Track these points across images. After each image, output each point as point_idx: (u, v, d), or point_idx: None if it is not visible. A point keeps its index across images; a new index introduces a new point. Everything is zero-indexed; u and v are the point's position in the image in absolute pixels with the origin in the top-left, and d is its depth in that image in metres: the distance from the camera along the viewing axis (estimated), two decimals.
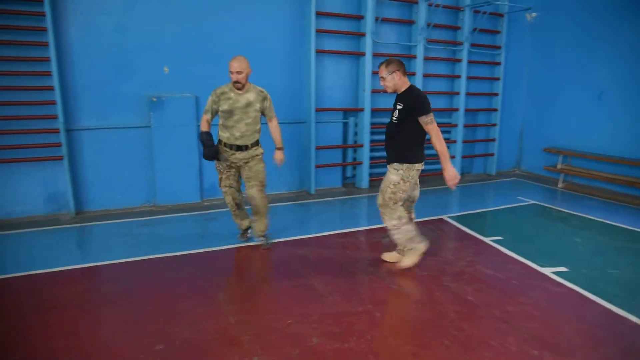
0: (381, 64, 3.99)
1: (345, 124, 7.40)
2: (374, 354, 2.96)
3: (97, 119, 5.84)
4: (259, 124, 4.48)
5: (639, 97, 7.01)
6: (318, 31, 6.70)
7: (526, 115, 8.95)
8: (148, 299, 3.68)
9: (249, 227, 4.99)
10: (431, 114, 3.89)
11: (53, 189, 5.75)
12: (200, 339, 3.11)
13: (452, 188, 3.98)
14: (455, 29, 7.98)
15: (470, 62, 8.09)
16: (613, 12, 7.25)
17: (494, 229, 5.68)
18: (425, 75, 7.70)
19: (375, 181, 4.02)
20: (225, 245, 4.82)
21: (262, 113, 4.51)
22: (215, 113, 4.42)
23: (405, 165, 3.96)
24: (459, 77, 8.04)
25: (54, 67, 5.37)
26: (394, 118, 4.01)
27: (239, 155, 4.43)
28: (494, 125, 8.69)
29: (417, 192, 4.29)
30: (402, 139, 3.98)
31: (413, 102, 3.88)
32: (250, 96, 4.35)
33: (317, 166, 7.04)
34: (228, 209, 4.85)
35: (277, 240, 5.00)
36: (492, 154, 8.79)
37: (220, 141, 4.48)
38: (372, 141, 7.33)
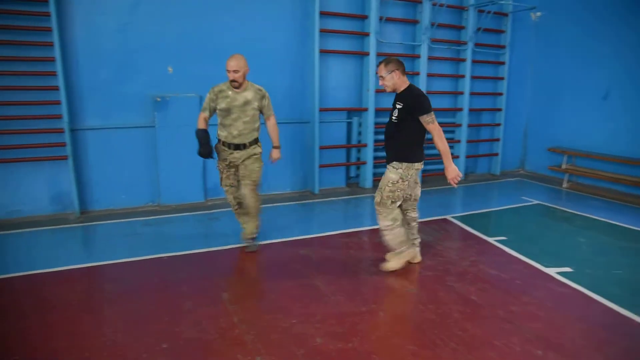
0: (380, 63, 3.98)
1: (349, 124, 7.40)
2: (377, 354, 2.96)
3: (102, 119, 5.87)
4: (257, 122, 4.47)
5: None
6: (322, 31, 6.70)
7: (530, 114, 8.92)
8: (152, 298, 3.70)
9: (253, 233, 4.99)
10: (432, 113, 3.89)
11: (58, 188, 5.77)
12: (204, 339, 3.12)
13: (454, 185, 3.99)
14: (460, 28, 7.97)
15: (474, 62, 8.07)
16: (617, 12, 7.21)
17: (498, 229, 5.67)
18: (429, 75, 7.68)
19: (379, 181, 4.02)
20: (229, 245, 4.83)
21: (261, 111, 4.50)
22: (212, 111, 4.40)
23: (404, 164, 3.95)
24: (463, 76, 8.02)
25: (59, 67, 5.39)
26: (393, 117, 4.00)
27: (237, 154, 4.42)
28: (498, 125, 8.67)
29: (418, 191, 4.28)
30: (402, 138, 3.98)
31: (413, 102, 3.88)
32: (249, 94, 4.34)
33: (320, 166, 7.04)
34: (231, 208, 4.85)
35: (280, 240, 5.01)
36: (496, 154, 8.76)
37: (219, 140, 4.49)
38: (376, 141, 7.32)
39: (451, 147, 8.31)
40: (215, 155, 4.47)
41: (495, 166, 8.80)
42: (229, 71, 4.19)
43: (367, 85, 7.18)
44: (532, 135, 8.94)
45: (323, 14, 6.68)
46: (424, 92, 4.02)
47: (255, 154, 4.48)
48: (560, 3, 8.14)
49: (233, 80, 4.22)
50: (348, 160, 7.55)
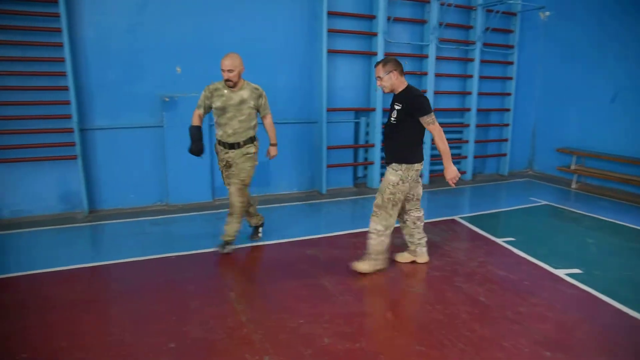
0: (377, 63, 3.96)
1: (357, 124, 7.40)
2: (385, 354, 2.95)
3: (111, 119, 5.90)
4: (253, 121, 4.43)
5: None
6: (330, 31, 6.70)
7: (539, 115, 8.86)
8: (159, 297, 3.71)
9: (259, 226, 5.00)
10: (432, 113, 3.86)
11: (67, 188, 5.82)
12: (211, 338, 3.13)
13: (452, 185, 4.03)
14: (468, 28, 7.93)
15: (482, 62, 8.03)
16: (627, 12, 7.15)
17: (506, 229, 5.64)
18: (437, 75, 7.65)
19: None
20: (236, 244, 4.84)
21: (258, 110, 4.48)
22: (207, 109, 4.39)
23: (404, 166, 3.93)
24: (471, 76, 7.98)
25: (68, 68, 5.43)
26: (392, 119, 3.98)
27: (232, 153, 4.39)
28: (507, 125, 8.62)
29: (420, 190, 4.26)
30: (401, 139, 3.96)
31: (413, 103, 3.85)
32: (244, 93, 4.31)
33: (328, 166, 7.04)
34: None
35: (287, 240, 5.02)
36: (504, 154, 8.72)
37: (217, 140, 4.48)
38: (383, 141, 7.29)
39: (459, 148, 8.30)
40: (211, 153, 4.46)
41: (504, 167, 8.76)
42: (223, 70, 4.17)
43: (374, 86, 7.17)
44: (540, 135, 8.89)
45: (331, 14, 6.67)
46: (422, 92, 3.98)
47: (248, 153, 4.43)
48: (569, 3, 8.08)
49: (228, 80, 4.19)
50: (355, 160, 7.54)
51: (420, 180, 4.25)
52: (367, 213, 6.37)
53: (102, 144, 5.90)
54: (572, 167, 7.85)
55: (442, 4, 7.34)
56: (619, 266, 4.41)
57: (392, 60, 3.92)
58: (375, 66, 3.98)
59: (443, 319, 3.38)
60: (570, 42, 8.12)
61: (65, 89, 5.48)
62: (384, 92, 4.05)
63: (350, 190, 7.35)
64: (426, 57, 7.53)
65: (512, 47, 8.34)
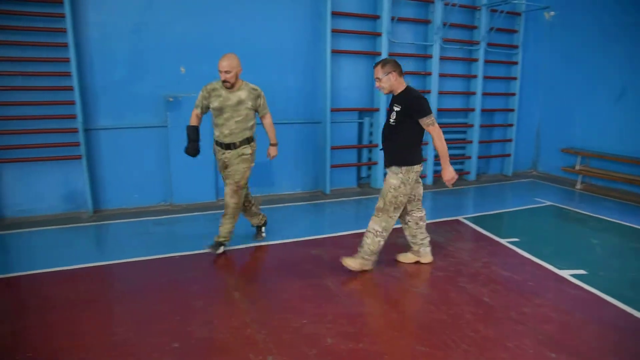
0: (376, 64, 3.93)
1: (361, 124, 7.39)
2: (389, 354, 2.95)
3: (115, 119, 5.92)
4: (250, 121, 4.39)
5: None
6: (334, 31, 6.70)
7: (543, 115, 8.83)
8: (163, 297, 3.72)
9: (261, 226, 5.00)
10: (432, 115, 3.85)
11: (71, 187, 5.84)
12: (215, 338, 3.13)
13: (449, 186, 4.03)
14: (472, 28, 7.92)
15: (486, 62, 8.01)
16: (632, 12, 7.12)
17: (510, 230, 5.63)
18: (441, 75, 7.64)
19: None
20: (240, 244, 4.84)
21: (256, 111, 4.45)
22: (205, 108, 4.37)
23: (404, 168, 3.92)
24: (475, 76, 7.97)
25: (73, 68, 5.45)
26: (391, 120, 3.97)
27: (228, 154, 4.37)
28: (511, 125, 8.60)
29: (420, 190, 4.24)
30: (400, 140, 3.95)
31: (412, 105, 3.83)
32: (242, 94, 4.28)
33: (332, 166, 7.04)
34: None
35: (291, 240, 5.02)
36: (508, 155, 8.69)
37: (214, 140, 4.47)
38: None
39: (463, 148, 8.28)
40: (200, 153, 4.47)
41: (508, 167, 8.73)
42: (220, 72, 4.14)
43: None
44: (544, 136, 8.85)
45: (335, 14, 6.67)
46: (422, 93, 3.95)
47: (243, 154, 4.38)
48: (574, 2, 8.05)
49: (225, 81, 4.17)
50: (359, 161, 7.53)
51: (420, 180, 4.24)
52: (370, 213, 6.30)
53: (106, 144, 5.92)
54: (577, 167, 7.82)
55: (446, 4, 7.33)
56: (624, 267, 4.39)
57: (390, 62, 3.90)
58: (374, 67, 3.96)
59: (447, 320, 3.38)
60: (575, 41, 8.09)
61: (70, 89, 5.50)
62: (383, 93, 4.04)
63: (354, 190, 7.35)
64: (430, 57, 7.52)
65: (516, 47, 8.31)
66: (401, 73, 3.92)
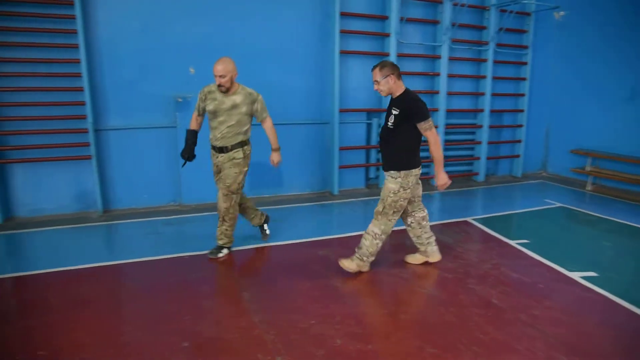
0: (374, 67, 3.89)
1: (369, 125, 7.38)
2: (397, 356, 2.94)
3: (125, 119, 5.96)
4: (244, 126, 4.32)
5: None
6: (342, 32, 6.70)
7: (553, 116, 8.75)
8: (172, 297, 3.73)
9: (262, 224, 4.98)
10: (430, 119, 3.82)
11: (81, 187, 5.89)
12: (224, 338, 3.14)
13: (440, 190, 4.04)
14: (481, 28, 7.88)
15: (496, 62, 7.97)
16: None
17: (520, 231, 5.59)
18: (450, 76, 7.62)
19: None
20: (248, 245, 4.86)
21: (254, 115, 4.39)
22: (202, 111, 4.36)
23: (402, 173, 3.89)
24: (484, 77, 7.93)
25: (83, 69, 5.50)
26: (389, 123, 3.94)
27: (220, 157, 4.35)
28: (520, 126, 8.54)
29: (419, 191, 4.22)
30: (398, 144, 3.92)
31: (411, 109, 3.81)
32: (237, 98, 4.22)
33: (340, 167, 7.04)
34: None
35: (299, 241, 5.02)
36: (517, 156, 8.64)
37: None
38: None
39: (471, 149, 8.23)
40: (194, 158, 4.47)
41: (517, 168, 8.68)
42: (215, 76, 4.10)
43: None
44: (554, 136, 8.79)
45: (343, 14, 6.67)
46: (420, 96, 3.91)
47: (235, 159, 4.32)
48: (584, 2, 7.99)
49: (220, 85, 4.13)
50: (367, 161, 7.52)
51: (420, 181, 4.18)
52: None
53: (116, 144, 5.96)
54: (587, 168, 7.75)
55: (455, 5, 7.30)
56: (636, 269, 4.36)
57: (389, 64, 3.87)
58: (372, 70, 3.91)
59: (456, 321, 3.36)
60: (585, 41, 8.02)
61: (81, 90, 5.55)
62: (381, 96, 4.01)
63: (362, 191, 7.34)
64: (439, 57, 7.50)
65: (526, 47, 8.26)
66: (399, 75, 3.88)
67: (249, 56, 6.33)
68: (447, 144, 7.83)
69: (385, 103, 7.20)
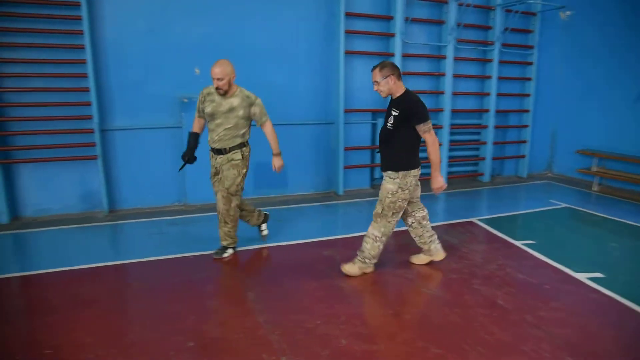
0: (374, 67, 3.86)
1: (374, 125, 7.37)
2: (403, 356, 2.94)
3: (130, 120, 5.98)
4: (242, 129, 4.27)
5: None
6: (347, 32, 6.69)
7: (559, 116, 8.71)
8: (177, 297, 3.74)
9: (260, 224, 4.95)
10: (429, 121, 3.80)
11: (87, 187, 5.91)
12: (229, 338, 3.15)
13: (436, 193, 4.03)
14: (486, 28, 7.85)
15: (501, 62, 7.94)
16: None
17: (525, 232, 5.57)
18: (455, 76, 7.59)
19: None
20: (253, 245, 4.86)
21: (253, 119, 4.33)
22: (202, 113, 4.33)
23: (400, 173, 3.87)
24: (489, 77, 7.90)
25: (90, 69, 5.52)
26: (388, 124, 3.91)
27: (219, 159, 4.32)
28: (526, 126, 8.51)
29: (418, 192, 4.20)
30: (397, 144, 3.90)
31: (410, 110, 3.78)
32: (235, 101, 4.17)
33: (345, 167, 7.03)
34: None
35: (304, 241, 5.03)
36: (523, 156, 8.61)
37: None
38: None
39: (477, 149, 8.21)
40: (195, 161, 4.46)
41: (522, 168, 8.65)
42: (213, 78, 4.07)
43: None
44: (560, 137, 8.74)
45: (348, 14, 6.67)
46: (420, 98, 3.88)
47: (233, 160, 4.28)
48: (591, 2, 7.94)
49: (217, 88, 4.10)
50: (372, 162, 7.51)
51: (419, 183, 4.15)
52: None
53: (121, 144, 5.98)
54: (594, 169, 7.71)
55: (460, 5, 7.28)
56: None
57: (389, 65, 3.84)
58: (372, 70, 3.88)
59: (461, 322, 3.35)
60: (591, 42, 7.98)
61: (87, 90, 5.57)
62: (381, 96, 3.99)
63: (367, 191, 7.33)
64: (444, 58, 7.48)
65: (531, 47, 8.23)
66: (399, 76, 3.86)
67: (254, 56, 6.35)
68: (453, 144, 7.81)
69: None
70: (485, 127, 8.06)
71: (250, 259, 4.63)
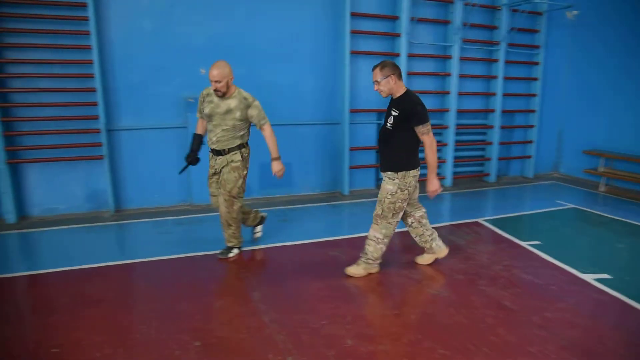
0: (375, 67, 3.84)
1: (379, 125, 7.35)
2: (408, 357, 2.93)
3: (136, 120, 6.01)
4: (241, 131, 4.24)
5: None
6: (352, 32, 6.69)
7: (565, 116, 8.67)
8: (183, 296, 3.75)
9: (255, 226, 4.93)
10: (428, 123, 3.78)
11: (93, 187, 5.94)
12: (235, 337, 3.15)
13: (431, 196, 4.00)
14: (492, 28, 7.83)
15: (507, 62, 7.91)
16: None
17: (531, 233, 5.54)
18: (461, 76, 7.57)
19: None
20: (259, 245, 4.87)
21: (251, 121, 4.27)
22: (202, 113, 4.32)
23: (400, 174, 3.86)
24: (495, 77, 7.87)
25: (96, 70, 5.55)
26: (388, 124, 3.90)
27: (218, 160, 4.30)
28: (532, 126, 8.47)
29: (416, 193, 4.19)
30: (397, 144, 3.88)
31: (410, 111, 3.76)
32: (232, 103, 4.12)
33: (350, 167, 7.03)
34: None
35: (310, 241, 5.03)
36: (529, 156, 8.57)
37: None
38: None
39: (482, 149, 8.18)
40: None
41: (529, 169, 8.61)
42: (211, 81, 4.04)
43: None
44: (566, 137, 8.70)
45: (354, 15, 6.67)
46: (420, 98, 3.85)
47: (233, 162, 4.25)
48: (598, 2, 7.90)
49: (216, 90, 4.07)
50: (378, 162, 7.49)
51: (417, 185, 4.13)
52: None
53: (127, 144, 6.01)
54: (600, 169, 7.67)
55: (466, 4, 7.26)
56: None
57: (389, 64, 3.82)
58: (373, 70, 3.87)
59: (467, 323, 3.34)
60: (598, 41, 7.93)
61: (93, 90, 5.60)
62: (382, 96, 3.98)
63: (373, 191, 7.32)
64: (450, 58, 7.46)
65: (538, 47, 8.19)
66: (400, 76, 3.84)
67: (259, 56, 6.36)
68: (458, 145, 7.79)
69: None
70: (491, 127, 8.03)
71: (256, 259, 4.63)
